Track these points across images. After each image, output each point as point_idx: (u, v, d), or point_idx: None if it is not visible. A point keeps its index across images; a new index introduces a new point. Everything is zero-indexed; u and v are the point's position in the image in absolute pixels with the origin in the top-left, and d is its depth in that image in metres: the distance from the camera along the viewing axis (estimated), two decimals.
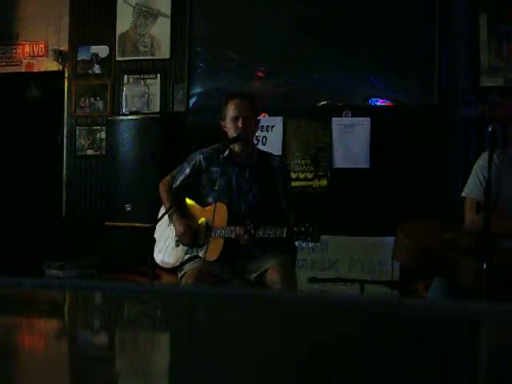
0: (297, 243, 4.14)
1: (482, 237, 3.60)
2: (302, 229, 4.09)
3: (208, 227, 4.44)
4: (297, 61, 7.46)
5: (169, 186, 4.66)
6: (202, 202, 4.59)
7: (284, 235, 4.14)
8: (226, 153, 4.50)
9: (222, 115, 4.55)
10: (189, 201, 4.64)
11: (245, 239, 4.25)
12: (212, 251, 4.36)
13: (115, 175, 7.83)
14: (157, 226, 4.67)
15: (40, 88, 9.24)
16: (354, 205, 7.03)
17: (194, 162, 4.60)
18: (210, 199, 4.52)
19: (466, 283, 3.95)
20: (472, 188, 4.21)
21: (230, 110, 4.47)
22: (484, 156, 4.20)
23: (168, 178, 4.70)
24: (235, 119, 4.44)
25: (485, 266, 3.58)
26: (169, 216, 4.54)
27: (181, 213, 4.56)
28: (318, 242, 4.15)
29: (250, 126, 4.48)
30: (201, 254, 4.43)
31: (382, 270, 6.69)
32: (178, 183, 4.63)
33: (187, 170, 4.61)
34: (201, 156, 4.58)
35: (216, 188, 4.48)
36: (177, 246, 4.57)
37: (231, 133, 4.47)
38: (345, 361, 1.16)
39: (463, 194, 4.29)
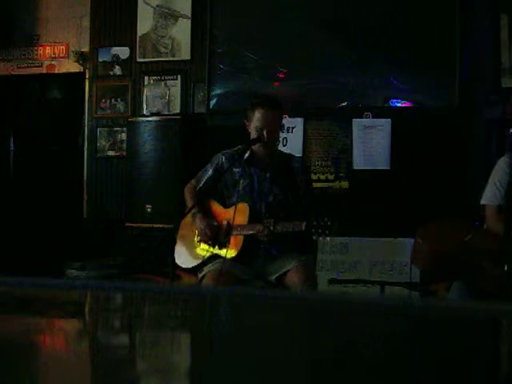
0: (314, 237, 4.14)
1: (504, 240, 3.59)
2: (321, 223, 4.11)
3: (229, 226, 4.46)
4: (317, 62, 7.45)
5: (193, 188, 4.68)
6: (225, 203, 4.60)
7: (302, 229, 4.14)
8: (248, 154, 4.50)
9: (247, 116, 4.53)
10: (212, 202, 4.66)
11: (264, 235, 4.26)
12: (232, 248, 4.38)
13: (136, 176, 7.85)
14: (180, 227, 4.69)
15: (61, 89, 9.29)
16: (375, 206, 7.01)
17: (216, 163, 4.61)
18: (233, 200, 4.54)
19: (487, 287, 3.93)
20: (490, 195, 4.20)
21: (256, 119, 4.43)
22: (500, 163, 4.20)
23: (193, 180, 4.72)
24: (260, 129, 4.43)
25: (506, 268, 3.57)
26: (192, 215, 4.55)
27: (203, 211, 4.57)
28: (335, 235, 4.16)
29: (274, 135, 4.49)
30: (220, 252, 4.44)
31: (402, 272, 6.67)
32: (201, 184, 4.65)
33: (210, 172, 4.63)
34: (223, 157, 4.59)
35: (238, 189, 4.49)
36: (198, 243, 4.58)
37: (253, 136, 4.47)
38: (366, 361, 1.16)
39: (482, 202, 4.27)
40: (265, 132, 4.42)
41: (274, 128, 4.46)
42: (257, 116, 4.45)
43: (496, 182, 4.16)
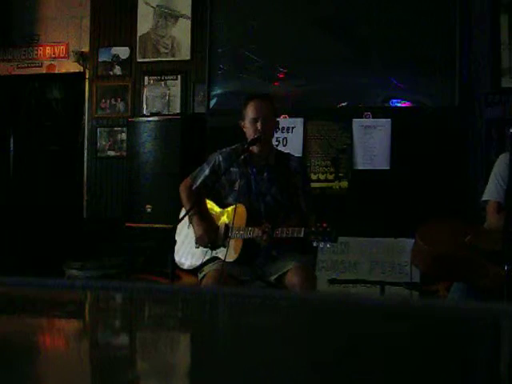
0: (314, 243, 4.13)
1: (506, 239, 3.59)
2: (320, 229, 4.09)
3: (227, 228, 4.45)
4: (317, 62, 7.44)
5: (189, 187, 4.67)
6: (222, 203, 4.60)
7: (302, 235, 4.14)
8: (245, 154, 4.50)
9: (241, 116, 4.56)
10: (208, 201, 4.65)
11: (263, 240, 4.26)
12: (231, 252, 4.37)
13: (136, 176, 7.84)
14: (178, 227, 4.68)
15: (61, 89, 9.29)
16: (375, 206, 7.00)
17: (213, 162, 4.61)
18: (230, 200, 4.54)
19: (487, 287, 3.93)
20: (492, 191, 4.20)
21: (249, 111, 4.48)
22: (501, 158, 4.20)
23: (189, 179, 4.71)
24: (254, 120, 4.45)
25: (506, 268, 3.57)
26: (189, 218, 4.55)
27: (200, 214, 4.56)
28: (336, 242, 4.15)
29: (268, 126, 4.50)
30: (220, 255, 4.44)
31: (402, 272, 6.66)
32: (198, 184, 4.64)
33: (207, 171, 4.62)
34: (220, 156, 4.59)
35: (235, 189, 4.49)
36: (197, 247, 4.58)
37: (250, 133, 4.48)
38: (366, 361, 1.16)
39: (484, 198, 4.27)
40: (259, 124, 4.43)
41: (267, 117, 4.47)
42: (249, 109, 4.49)
43: (498, 178, 4.15)
